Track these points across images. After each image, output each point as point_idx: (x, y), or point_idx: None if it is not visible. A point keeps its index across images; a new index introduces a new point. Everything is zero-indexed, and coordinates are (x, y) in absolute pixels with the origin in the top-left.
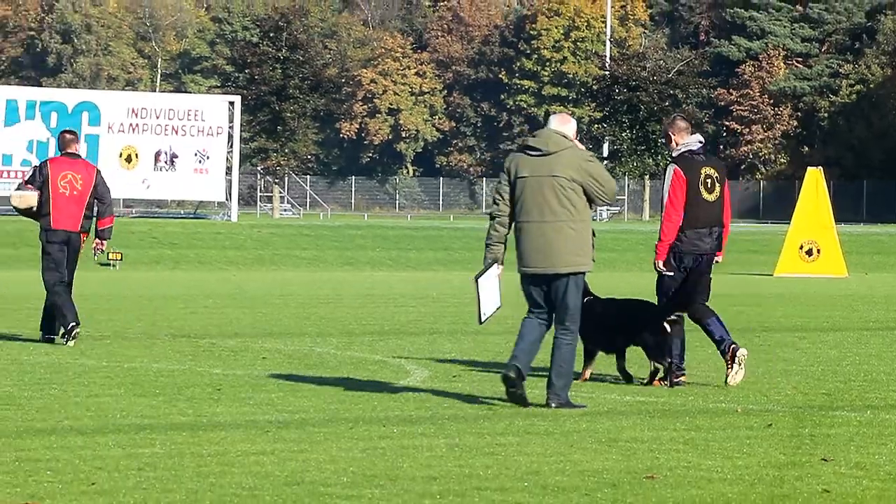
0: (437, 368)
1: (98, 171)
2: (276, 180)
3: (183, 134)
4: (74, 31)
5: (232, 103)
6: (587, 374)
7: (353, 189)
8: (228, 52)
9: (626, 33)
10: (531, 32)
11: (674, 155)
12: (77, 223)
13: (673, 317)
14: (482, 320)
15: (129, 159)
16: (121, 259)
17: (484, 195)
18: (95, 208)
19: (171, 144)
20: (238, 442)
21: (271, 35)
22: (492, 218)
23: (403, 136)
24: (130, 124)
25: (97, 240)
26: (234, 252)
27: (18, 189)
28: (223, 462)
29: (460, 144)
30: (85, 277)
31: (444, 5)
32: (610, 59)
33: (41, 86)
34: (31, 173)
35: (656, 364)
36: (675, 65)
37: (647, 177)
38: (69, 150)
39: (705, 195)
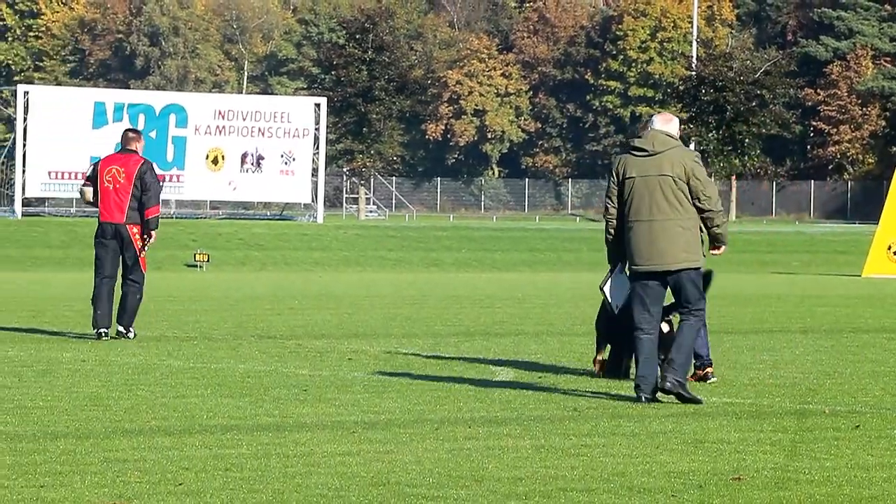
0: (523, 369)
1: (143, 163)
2: (362, 182)
3: (269, 136)
4: (162, 34)
5: (318, 105)
6: (598, 360)
7: (439, 190)
8: (315, 53)
9: (713, 33)
10: (617, 33)
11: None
12: (122, 215)
13: (669, 317)
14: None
15: (215, 161)
16: (207, 260)
17: (570, 196)
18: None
19: (257, 146)
20: (324, 443)
21: (357, 37)
22: (606, 221)
23: (489, 137)
24: (217, 126)
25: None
26: (319, 253)
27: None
28: (309, 463)
29: (546, 145)
30: (172, 279)
31: (529, 6)
32: (696, 59)
33: (129, 88)
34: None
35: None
36: (761, 65)
37: (735, 177)
38: (127, 147)
39: None
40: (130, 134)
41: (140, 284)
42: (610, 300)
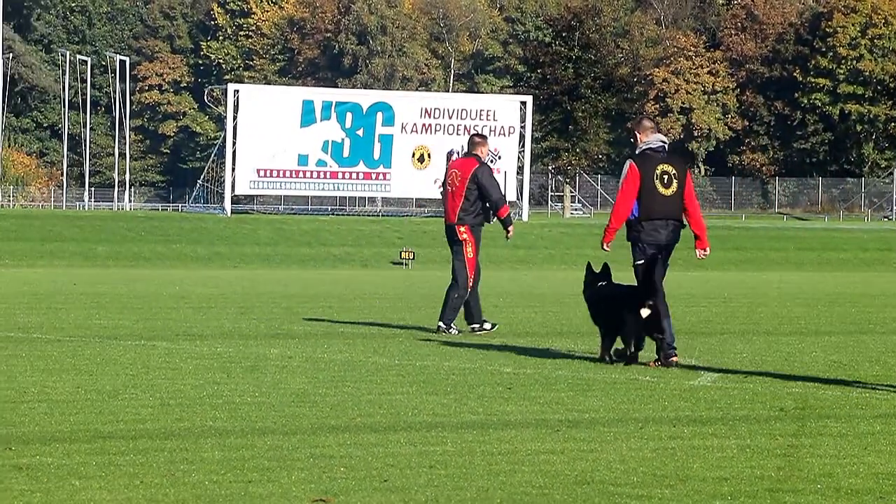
0: (729, 368)
1: (478, 167)
2: (568, 180)
3: None
4: (370, 33)
5: (524, 103)
6: (606, 355)
7: None
8: (521, 51)
9: None
10: (826, 30)
11: (636, 152)
12: (454, 215)
13: (650, 301)
14: None
15: (421, 159)
16: (413, 258)
17: (777, 194)
18: (479, 203)
19: (463, 144)
20: (528, 441)
21: (564, 35)
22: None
23: (695, 134)
24: (423, 124)
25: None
26: (524, 251)
27: None
28: (513, 461)
29: (753, 143)
30: (378, 276)
31: (738, 3)
32: None
33: (337, 87)
34: None
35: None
36: None
37: None
38: (471, 152)
39: (661, 190)
40: (476, 139)
41: (459, 282)
42: None
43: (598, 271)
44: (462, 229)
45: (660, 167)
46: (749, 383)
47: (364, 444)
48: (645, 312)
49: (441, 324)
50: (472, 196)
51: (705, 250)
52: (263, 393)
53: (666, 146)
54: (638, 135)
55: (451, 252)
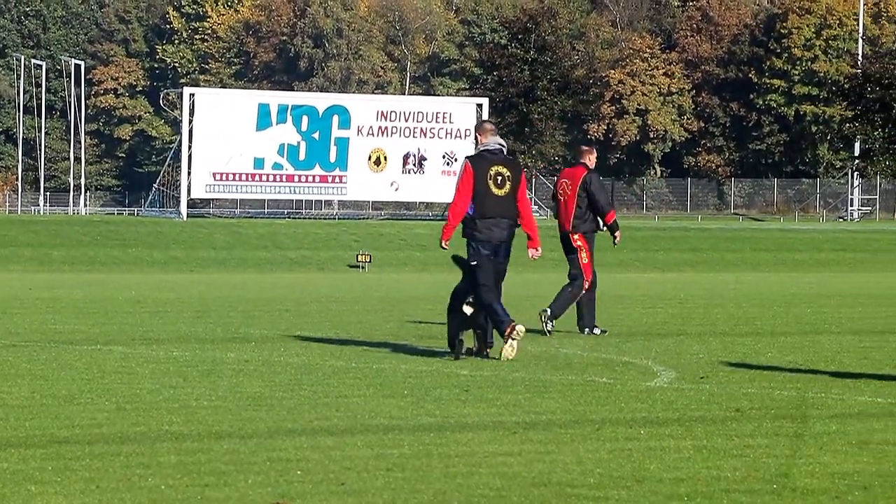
0: (685, 370)
1: (586, 174)
2: None
3: (431, 136)
4: (326, 36)
5: (480, 105)
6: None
7: None
8: (477, 54)
9: (880, 31)
10: (781, 31)
11: (472, 153)
12: (568, 223)
13: (470, 298)
14: None
15: (377, 162)
16: (370, 261)
17: (732, 196)
18: (590, 211)
19: (419, 147)
20: (485, 443)
21: (520, 37)
22: None
23: (651, 136)
24: (380, 127)
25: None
26: None
27: None
28: (470, 463)
29: (709, 145)
30: (334, 279)
31: (693, 5)
32: (862, 57)
33: (293, 90)
34: None
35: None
36: None
37: None
38: (579, 161)
39: (494, 190)
40: (583, 148)
41: (576, 280)
42: None
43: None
44: (576, 237)
45: (494, 168)
46: (705, 384)
47: (321, 447)
48: (468, 310)
49: (548, 310)
50: (584, 204)
51: (537, 250)
52: (220, 397)
53: (504, 149)
54: (479, 137)
55: (567, 260)
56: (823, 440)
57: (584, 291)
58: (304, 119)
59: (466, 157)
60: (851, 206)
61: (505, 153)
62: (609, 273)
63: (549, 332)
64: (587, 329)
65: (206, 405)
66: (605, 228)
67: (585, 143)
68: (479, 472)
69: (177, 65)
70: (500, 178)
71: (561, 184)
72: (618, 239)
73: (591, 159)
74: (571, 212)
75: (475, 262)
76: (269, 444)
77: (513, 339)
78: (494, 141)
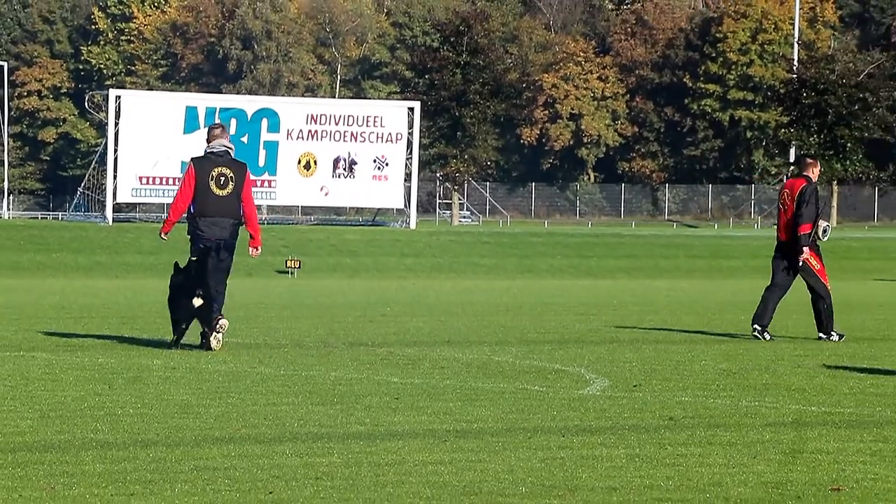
0: (618, 378)
1: (804, 185)
2: (456, 187)
3: (362, 140)
4: (255, 37)
5: (412, 109)
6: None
7: (534, 195)
8: (408, 57)
9: (815, 35)
10: (717, 35)
11: (197, 155)
12: (788, 232)
13: (199, 291)
14: None
15: (307, 166)
16: (299, 267)
17: (667, 202)
18: None
19: (349, 151)
20: (415, 451)
21: (452, 40)
22: None
23: (585, 141)
24: (309, 131)
25: None
26: (412, 260)
27: None
28: (400, 472)
29: (643, 150)
30: (263, 285)
31: (627, 9)
32: (798, 61)
33: (221, 93)
34: None
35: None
36: (864, 67)
37: (836, 182)
38: (803, 173)
39: (216, 190)
40: (807, 160)
41: (821, 292)
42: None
43: (182, 267)
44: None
45: (217, 169)
46: (638, 392)
47: (249, 455)
48: (197, 302)
49: (822, 335)
50: None
51: (257, 249)
52: (146, 404)
53: (230, 152)
54: (207, 139)
55: (799, 269)
56: (757, 449)
57: (830, 295)
58: (233, 122)
59: (191, 159)
60: None
61: (232, 156)
62: (541, 280)
63: (840, 336)
64: (758, 328)
65: (132, 413)
66: (825, 238)
67: (810, 157)
68: (409, 480)
69: (102, 66)
70: (222, 178)
71: (783, 193)
72: (803, 255)
73: (814, 172)
74: (790, 222)
75: (196, 258)
76: (195, 453)
77: (217, 332)
78: (220, 143)
